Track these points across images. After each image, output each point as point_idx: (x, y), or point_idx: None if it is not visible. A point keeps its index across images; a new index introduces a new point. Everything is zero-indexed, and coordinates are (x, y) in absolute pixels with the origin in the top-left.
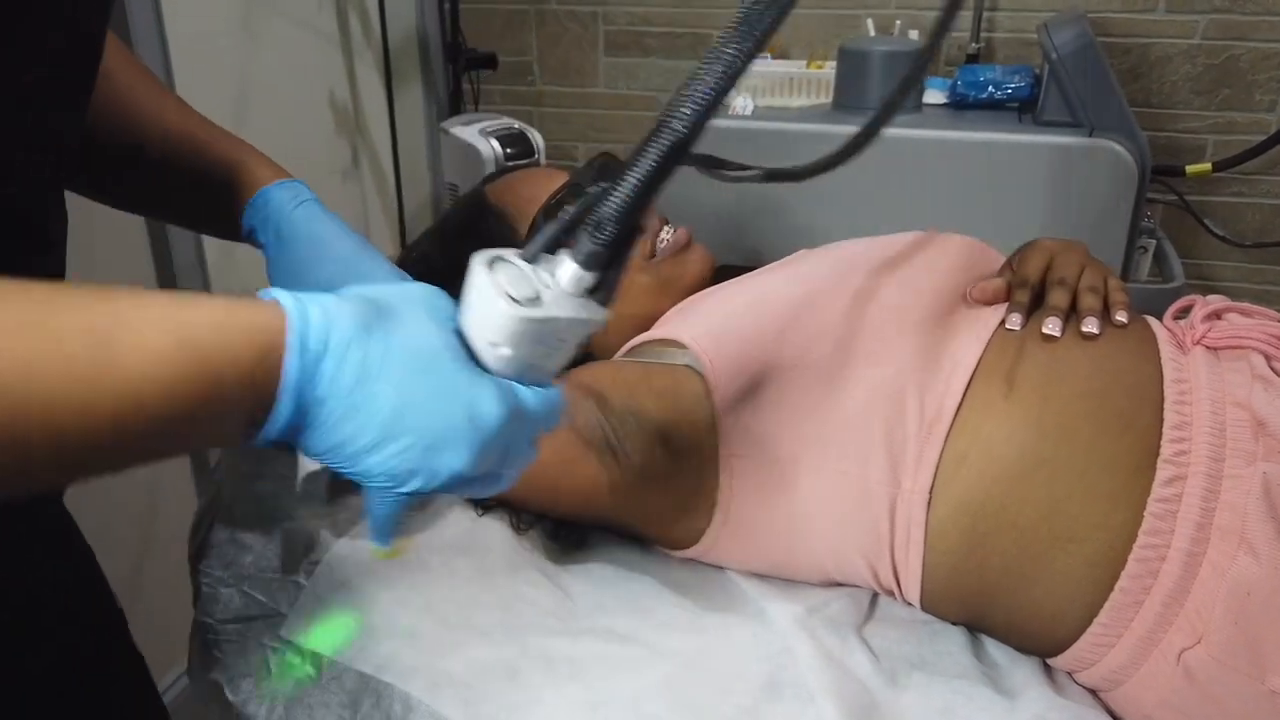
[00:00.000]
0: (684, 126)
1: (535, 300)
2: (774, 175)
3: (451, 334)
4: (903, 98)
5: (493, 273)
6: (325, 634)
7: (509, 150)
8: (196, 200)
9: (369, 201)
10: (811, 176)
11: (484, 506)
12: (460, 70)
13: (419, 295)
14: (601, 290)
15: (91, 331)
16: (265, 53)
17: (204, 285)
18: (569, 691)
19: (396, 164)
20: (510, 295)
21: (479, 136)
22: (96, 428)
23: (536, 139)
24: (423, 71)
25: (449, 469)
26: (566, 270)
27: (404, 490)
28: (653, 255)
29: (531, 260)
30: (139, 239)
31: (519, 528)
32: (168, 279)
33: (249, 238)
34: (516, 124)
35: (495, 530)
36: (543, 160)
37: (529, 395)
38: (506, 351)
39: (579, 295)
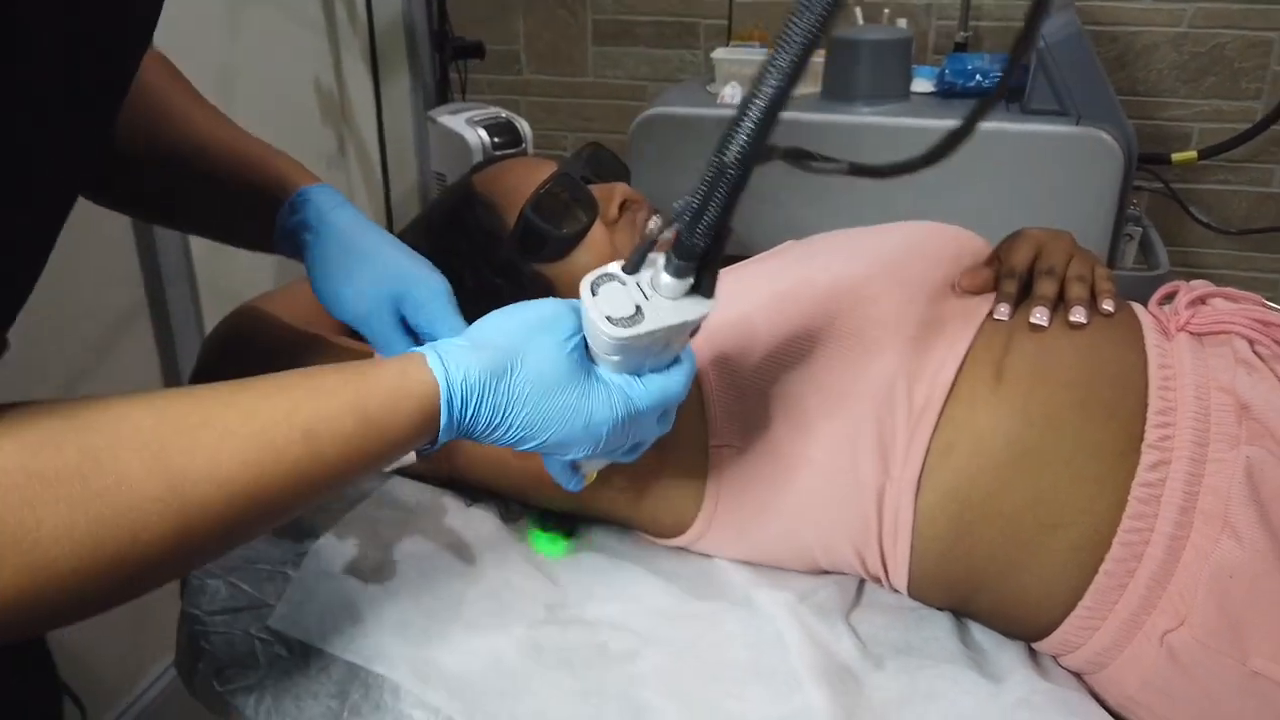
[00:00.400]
0: (751, 132)
1: (634, 317)
2: (858, 169)
3: (571, 352)
4: (993, 102)
5: (595, 296)
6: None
7: (496, 139)
8: (226, 206)
9: (355, 190)
10: (894, 175)
11: (472, 497)
12: (447, 59)
13: (544, 319)
14: (701, 286)
15: (307, 434)
16: (250, 40)
17: (190, 285)
18: (558, 680)
19: (383, 153)
20: (610, 317)
21: (466, 126)
22: (297, 508)
23: (524, 128)
24: (409, 60)
25: (575, 456)
26: (663, 279)
27: (555, 457)
28: None
29: (634, 270)
30: (124, 237)
31: (508, 518)
32: (152, 272)
33: (282, 240)
34: (504, 113)
35: (484, 520)
36: (530, 150)
37: (641, 394)
38: (616, 358)
39: (678, 298)
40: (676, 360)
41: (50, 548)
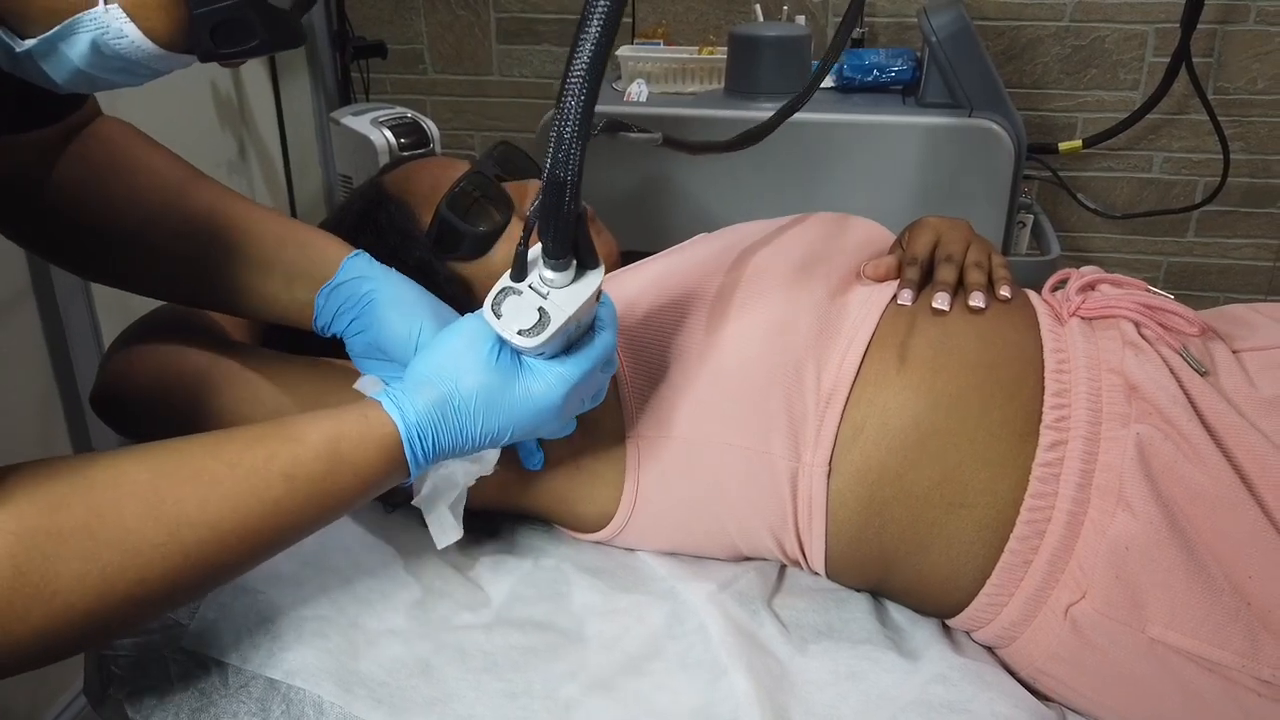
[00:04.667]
0: (576, 109)
1: (540, 321)
2: (670, 142)
3: (498, 363)
4: (805, 98)
5: (501, 317)
6: None
7: (403, 140)
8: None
9: (258, 194)
10: (705, 152)
11: (392, 504)
12: (348, 59)
13: (465, 342)
14: (584, 260)
15: (286, 477)
16: None
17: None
18: (485, 683)
19: (286, 156)
20: (520, 331)
21: (371, 127)
22: (282, 543)
23: (431, 128)
24: (309, 61)
25: (548, 433)
26: (548, 275)
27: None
28: None
29: (522, 277)
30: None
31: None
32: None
33: (320, 327)
34: (409, 113)
35: (404, 526)
36: (438, 149)
37: (573, 367)
38: (545, 353)
39: (570, 283)
40: (597, 320)
41: (68, 595)
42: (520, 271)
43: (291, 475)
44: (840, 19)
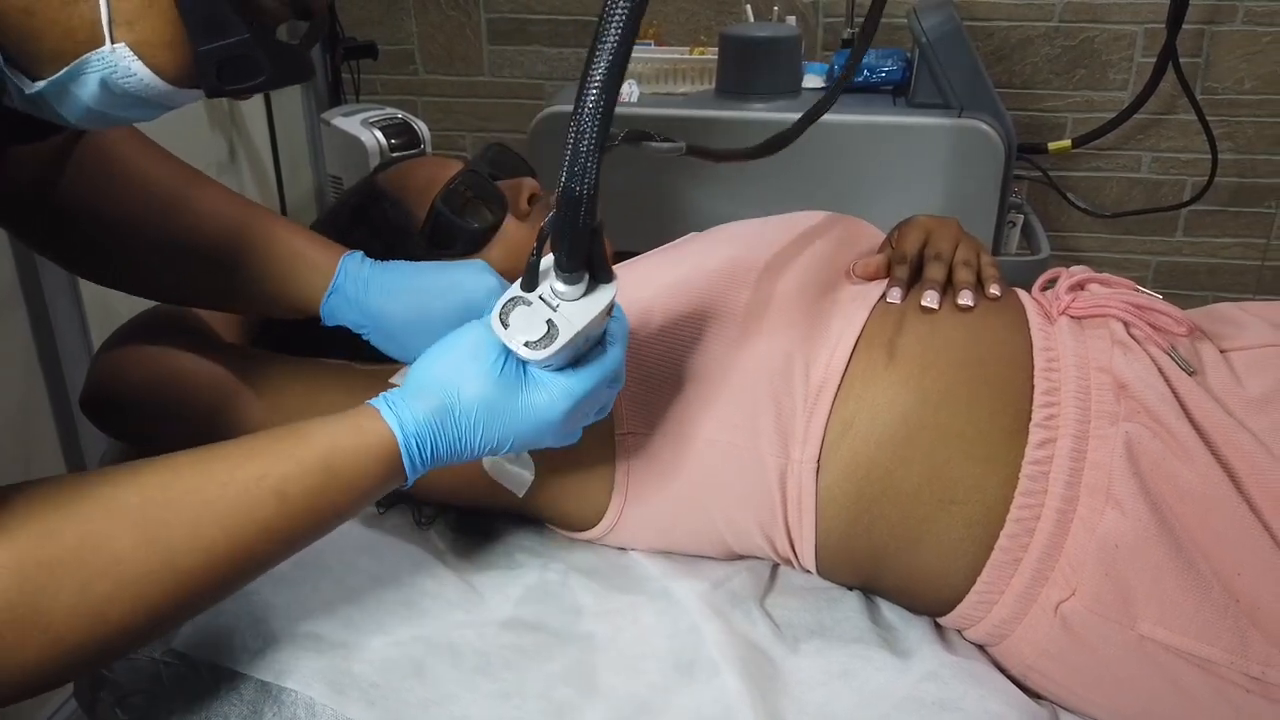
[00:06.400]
0: (592, 122)
1: (549, 333)
2: (695, 151)
3: (502, 374)
4: (829, 103)
5: (508, 328)
6: None
7: (393, 141)
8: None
9: (249, 195)
10: (729, 160)
11: (385, 503)
12: (339, 60)
13: (469, 351)
14: (597, 274)
15: (278, 495)
16: None
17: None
18: (478, 683)
19: (276, 157)
20: (527, 343)
21: (362, 127)
22: (276, 560)
23: (422, 129)
24: None
25: (547, 444)
26: (560, 287)
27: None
28: None
29: (533, 287)
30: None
31: (421, 522)
32: (24, 251)
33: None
34: (400, 114)
35: (398, 526)
36: (429, 150)
37: (580, 381)
38: (554, 366)
39: (581, 296)
40: (608, 335)
41: (62, 627)
42: (531, 281)
43: (284, 492)
44: (832, 19)
